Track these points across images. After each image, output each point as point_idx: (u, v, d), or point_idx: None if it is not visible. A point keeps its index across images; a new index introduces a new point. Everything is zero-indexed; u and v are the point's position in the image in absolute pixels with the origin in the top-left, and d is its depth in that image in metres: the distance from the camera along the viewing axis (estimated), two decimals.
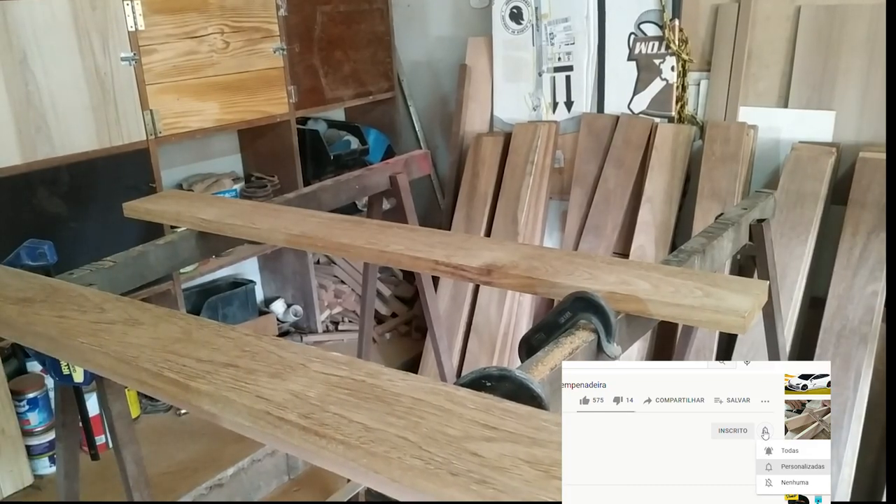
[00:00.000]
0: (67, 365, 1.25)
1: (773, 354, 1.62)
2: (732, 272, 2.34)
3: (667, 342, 2.41)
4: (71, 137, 2.33)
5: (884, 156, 2.25)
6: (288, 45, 2.89)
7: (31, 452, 2.40)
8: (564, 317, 1.06)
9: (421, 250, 1.29)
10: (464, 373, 1.09)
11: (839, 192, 2.35)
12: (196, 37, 2.62)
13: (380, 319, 3.31)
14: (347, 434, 0.73)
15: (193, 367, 0.86)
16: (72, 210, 2.36)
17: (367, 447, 0.70)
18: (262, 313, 3.14)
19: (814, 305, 2.32)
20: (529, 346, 1.07)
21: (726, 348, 2.33)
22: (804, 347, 2.32)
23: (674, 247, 2.51)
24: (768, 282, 1.13)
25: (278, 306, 3.18)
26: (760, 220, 1.54)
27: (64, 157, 2.32)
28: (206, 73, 2.68)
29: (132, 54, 2.43)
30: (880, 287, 2.16)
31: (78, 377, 1.23)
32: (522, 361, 1.01)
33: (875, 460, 2.24)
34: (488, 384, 0.81)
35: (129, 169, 2.50)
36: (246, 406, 0.78)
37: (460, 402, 0.77)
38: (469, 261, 1.24)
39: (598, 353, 1.04)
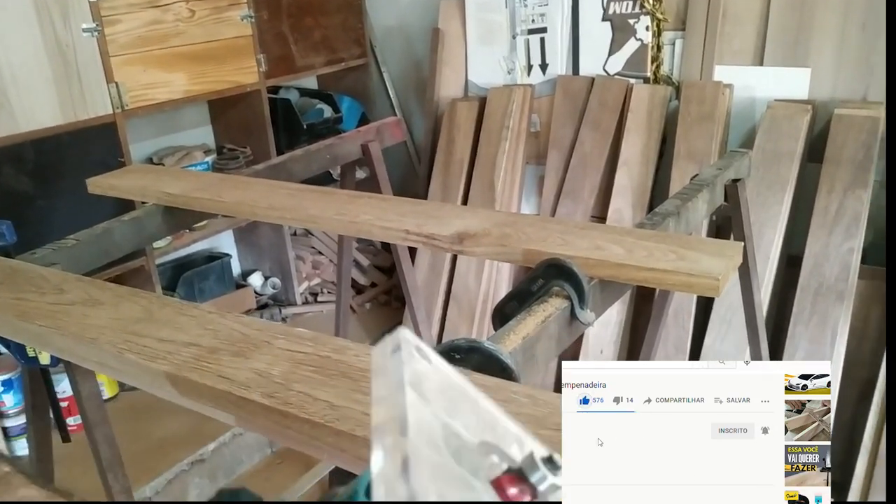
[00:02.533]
0: (33, 348, 1.22)
1: (750, 315, 1.62)
2: (710, 233, 2.34)
3: (645, 305, 2.41)
4: (34, 113, 2.27)
5: (860, 112, 2.24)
6: (256, 13, 2.82)
7: (8, 434, 2.37)
8: (537, 284, 1.05)
9: (391, 220, 1.27)
10: (444, 341, 1.07)
11: (815, 150, 2.34)
12: (160, 5, 2.55)
13: (359, 289, 3.29)
14: (312, 413, 0.71)
15: (154, 347, 0.84)
16: (38, 188, 2.30)
17: (333, 425, 0.69)
18: (239, 287, 3.11)
19: (791, 264, 2.33)
20: (503, 315, 1.06)
21: (704, 310, 2.33)
22: (781, 307, 2.33)
23: (651, 209, 2.50)
24: (743, 243, 1.12)
25: (255, 279, 3.15)
26: (736, 180, 1.52)
27: (28, 133, 2.26)
28: (172, 43, 2.61)
29: (94, 25, 2.36)
30: (856, 244, 2.16)
31: (44, 359, 1.20)
32: (496, 330, 0.99)
33: (851, 416, 2.26)
34: (457, 357, 0.80)
35: (97, 144, 2.44)
36: (208, 387, 0.76)
37: None
38: (440, 229, 1.21)
39: (572, 319, 1.03)
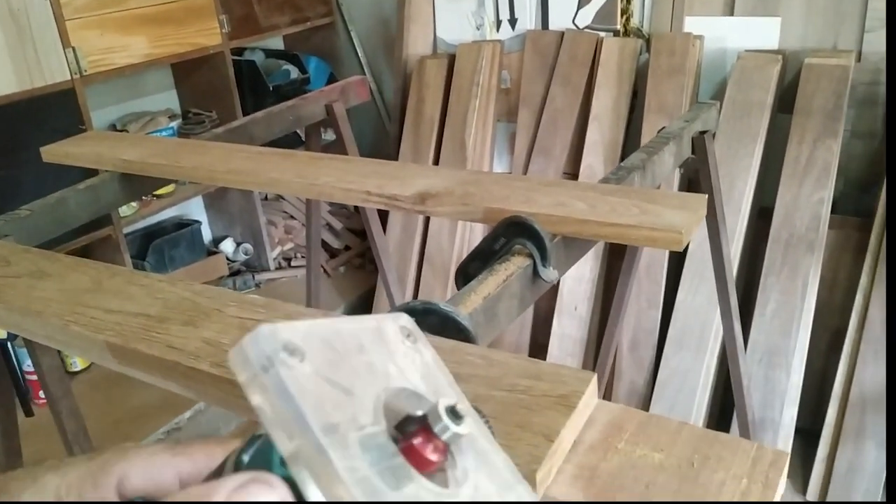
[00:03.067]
0: None
1: (719, 268, 1.62)
2: (681, 187, 2.33)
3: (619, 261, 2.41)
4: None
5: (830, 61, 2.23)
6: None
7: None
8: (499, 243, 1.03)
9: (353, 181, 1.24)
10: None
11: (786, 101, 2.33)
12: None
13: (333, 253, 3.26)
14: None
15: (102, 318, 0.81)
16: None
17: None
18: (210, 254, 3.07)
19: (762, 216, 2.33)
20: (466, 275, 1.04)
21: (678, 264, 2.33)
22: (753, 259, 2.34)
23: None
24: (707, 195, 1.11)
25: (227, 245, 3.11)
26: (703, 132, 1.51)
27: None
28: (130, 6, 2.53)
29: None
30: (826, 194, 2.16)
31: (1, 334, 1.17)
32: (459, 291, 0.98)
33: (822, 366, 2.29)
34: (414, 320, 0.78)
35: (56, 112, 2.37)
36: (156, 357, 0.74)
37: None
38: (402, 190, 1.19)
39: (535, 278, 1.01)
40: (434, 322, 0.78)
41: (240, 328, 0.77)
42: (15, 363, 1.49)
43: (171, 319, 0.80)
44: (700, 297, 2.24)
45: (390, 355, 0.39)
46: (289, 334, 0.34)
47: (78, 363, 2.55)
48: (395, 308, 0.79)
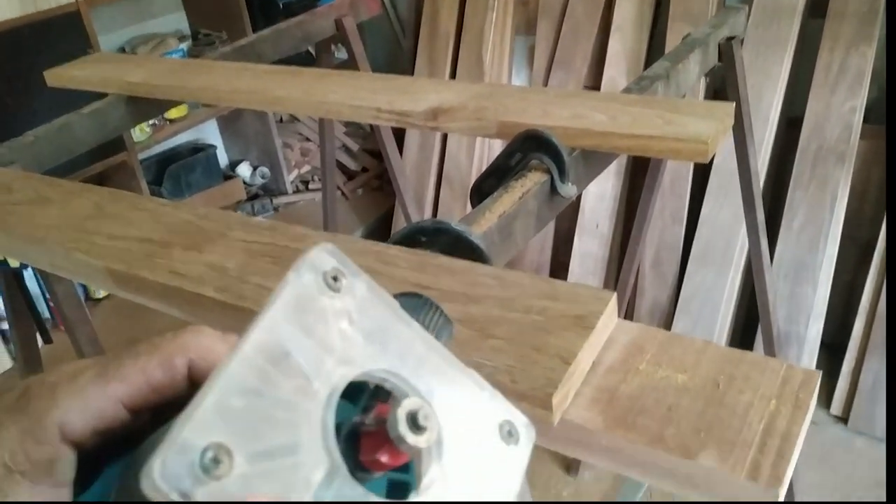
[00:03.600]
0: None
1: (746, 181, 1.56)
2: (707, 97, 2.24)
3: (641, 177, 2.35)
4: None
5: None
6: None
7: (7, 338, 2.38)
8: (514, 158, 0.99)
9: (362, 98, 1.19)
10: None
11: (817, 5, 2.20)
12: None
13: (350, 175, 3.22)
14: None
15: (104, 244, 0.79)
16: (2, 86, 2.20)
17: None
18: (227, 178, 3.04)
19: (791, 126, 2.24)
20: (481, 193, 1.00)
21: (702, 178, 2.27)
22: (780, 171, 2.26)
23: None
24: (734, 104, 1.05)
25: (244, 169, 3.08)
26: (730, 38, 1.43)
27: None
28: None
29: None
30: (859, 103, 2.07)
31: (14, 262, 1.16)
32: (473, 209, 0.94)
33: (850, 279, 2.24)
34: (423, 239, 0.75)
35: (62, 36, 2.31)
36: (159, 284, 0.72)
37: (392, 261, 0.71)
38: (414, 105, 1.14)
39: (552, 194, 0.97)
40: (446, 241, 0.74)
41: (245, 252, 0.74)
42: (40, 287, 1.48)
43: (175, 244, 0.77)
44: (725, 211, 2.18)
45: (320, 337, 0.33)
46: (201, 439, 0.28)
47: (101, 291, 2.57)
48: (407, 227, 0.76)
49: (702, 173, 2.28)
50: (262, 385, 0.30)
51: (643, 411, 0.58)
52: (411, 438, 0.30)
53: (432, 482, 0.34)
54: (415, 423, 0.31)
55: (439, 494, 0.34)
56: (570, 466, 1.98)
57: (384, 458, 0.31)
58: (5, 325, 2.37)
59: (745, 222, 1.63)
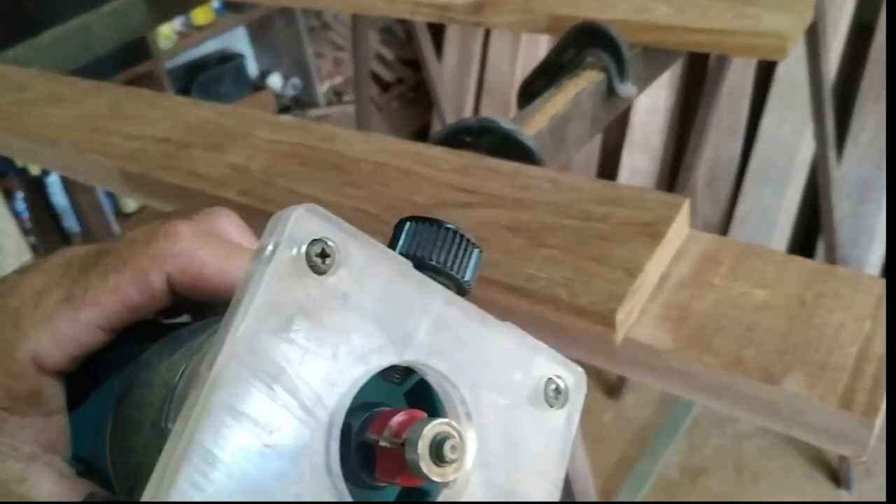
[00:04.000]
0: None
1: (816, 89, 1.44)
2: None
3: (696, 82, 2.21)
4: None
5: None
6: None
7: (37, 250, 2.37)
8: (568, 55, 0.89)
9: None
10: None
11: None
12: None
13: (384, 86, 3.11)
14: None
15: (120, 145, 0.73)
16: None
17: None
18: (257, 89, 2.95)
19: (862, 34, 2.07)
20: (529, 94, 0.91)
21: (763, 88, 2.12)
22: (848, 82, 2.11)
23: None
24: None
25: (274, 80, 2.99)
26: None
27: None
28: None
29: None
30: None
31: (34, 170, 1.11)
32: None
33: None
34: (467, 139, 0.67)
35: None
36: (177, 186, 0.66)
37: (432, 163, 0.63)
38: None
39: (610, 95, 0.88)
40: (492, 142, 0.66)
41: (271, 152, 0.67)
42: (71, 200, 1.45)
43: (195, 144, 0.70)
44: (787, 125, 2.04)
45: (306, 348, 0.25)
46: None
47: (131, 205, 2.53)
48: (449, 126, 0.68)
49: (762, 84, 2.14)
50: (234, 447, 0.23)
51: (718, 331, 0.51)
52: (437, 474, 0.25)
53: (462, 476, 0.28)
54: (440, 457, 0.25)
55: (472, 487, 0.28)
56: (613, 390, 1.93)
57: (403, 482, 0.26)
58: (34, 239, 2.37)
59: (808, 136, 1.52)
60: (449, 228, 0.30)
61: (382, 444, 0.26)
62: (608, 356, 0.53)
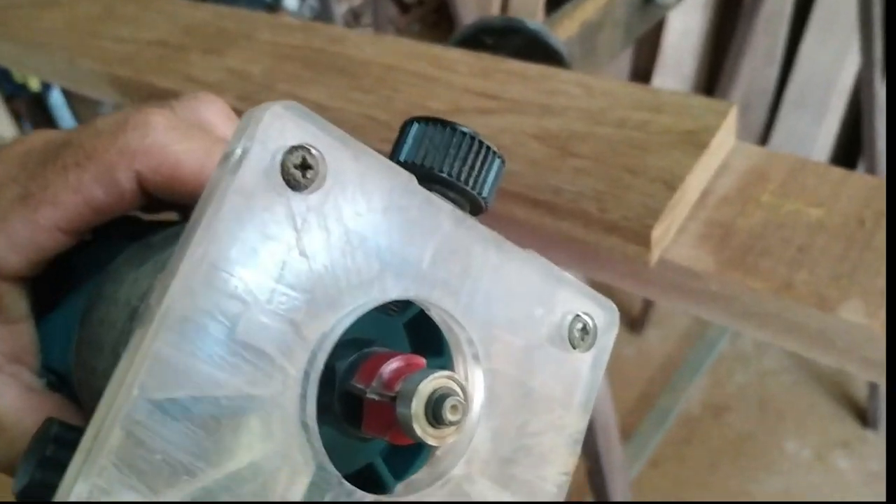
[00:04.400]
0: (21, 73, 1.07)
1: (865, 10, 1.34)
2: None
3: (733, 4, 2.09)
4: None
5: None
6: None
7: None
8: None
9: None
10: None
11: None
12: None
13: (404, 7, 3.00)
14: None
15: (111, 48, 0.67)
16: None
17: None
18: (270, 9, 2.86)
19: None
20: (557, 2, 0.84)
21: (803, 12, 2.01)
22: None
23: None
24: None
25: (290, 0, 2.89)
26: None
27: None
28: None
29: None
30: None
31: (34, 85, 1.06)
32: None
33: None
34: (489, 41, 0.61)
35: None
36: (171, 91, 0.60)
37: (450, 66, 0.57)
38: None
39: (645, 2, 0.81)
40: (517, 44, 0.60)
41: (273, 55, 0.61)
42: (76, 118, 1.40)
43: (192, 47, 0.65)
44: (827, 51, 1.94)
45: (279, 276, 0.21)
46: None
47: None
48: (470, 25, 0.61)
49: (802, 8, 2.02)
50: (189, 390, 0.19)
51: (766, 252, 0.45)
52: (432, 437, 0.21)
53: (466, 430, 0.24)
54: (438, 418, 0.20)
55: (478, 442, 0.24)
56: (635, 324, 1.88)
57: (393, 439, 0.22)
58: None
59: (850, 62, 1.43)
60: (465, 133, 0.25)
61: (370, 396, 0.22)
62: (641, 279, 0.47)
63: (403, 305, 0.26)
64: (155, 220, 0.34)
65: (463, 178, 0.24)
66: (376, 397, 0.22)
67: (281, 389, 0.20)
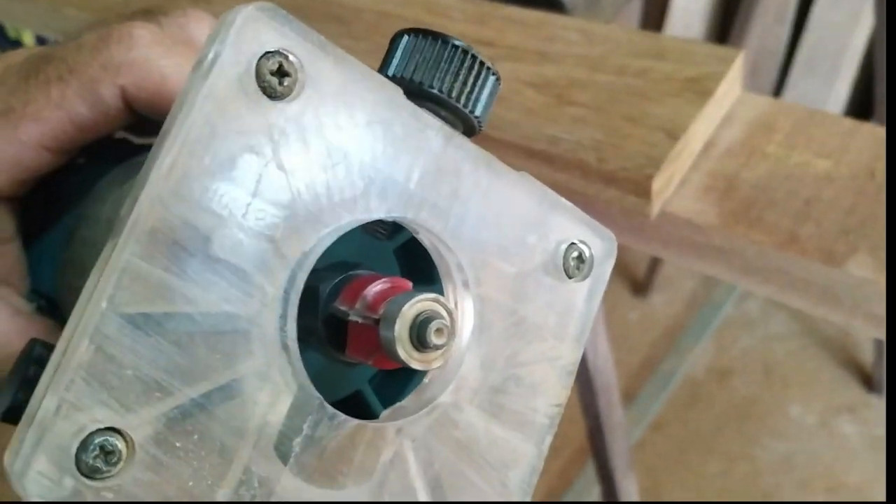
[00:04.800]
0: (15, 28, 1.05)
1: None
2: None
3: None
4: None
5: None
6: None
7: None
8: None
9: None
10: None
11: None
12: None
13: None
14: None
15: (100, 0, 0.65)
16: None
17: None
18: None
19: None
20: None
21: None
22: None
23: None
24: None
25: None
26: None
27: None
28: None
29: None
30: None
31: (28, 40, 1.04)
32: None
33: None
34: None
35: None
36: None
37: (444, 12, 0.55)
38: None
39: None
40: None
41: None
42: None
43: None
44: (840, 11, 1.89)
45: (255, 188, 0.19)
46: (74, 425, 0.17)
47: None
48: None
49: None
50: (160, 306, 0.18)
51: (771, 204, 0.43)
52: (417, 360, 0.20)
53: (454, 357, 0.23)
54: (423, 342, 0.20)
55: (466, 370, 0.23)
56: (640, 287, 1.87)
57: (378, 364, 0.22)
58: None
59: (863, 23, 1.39)
60: (457, 46, 0.23)
61: (353, 318, 0.21)
62: (641, 233, 0.46)
63: (392, 229, 0.25)
64: (146, 143, 0.33)
65: (455, 94, 0.23)
66: (359, 319, 0.21)
67: (259, 309, 0.19)
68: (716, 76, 0.46)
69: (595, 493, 1.23)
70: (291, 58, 0.19)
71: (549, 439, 0.24)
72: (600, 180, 0.43)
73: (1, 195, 0.28)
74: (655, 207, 0.43)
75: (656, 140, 0.43)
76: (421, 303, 0.19)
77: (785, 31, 2.02)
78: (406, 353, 0.19)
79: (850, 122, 0.48)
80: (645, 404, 1.54)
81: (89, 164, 0.31)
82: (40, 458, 0.16)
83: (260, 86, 0.19)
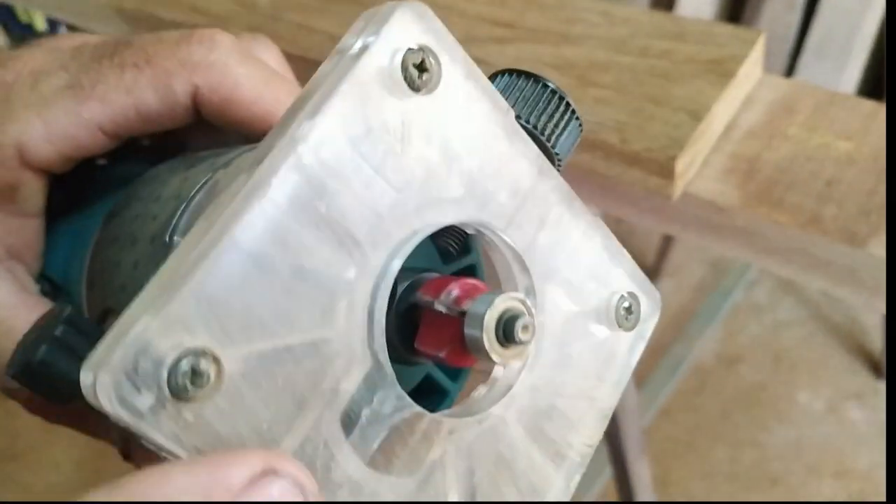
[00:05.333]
0: (26, 12, 1.05)
1: None
2: None
3: None
4: None
5: None
6: None
7: None
8: None
9: None
10: None
11: None
12: None
13: None
14: (307, 47, 0.53)
15: None
16: None
17: None
18: None
19: None
20: None
21: None
22: None
23: None
24: None
25: None
26: None
27: None
28: None
29: None
30: None
31: (39, 24, 1.04)
32: None
33: None
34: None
35: None
36: (177, 22, 0.59)
37: None
38: None
39: None
40: None
41: None
42: None
43: None
44: None
45: (380, 169, 0.21)
46: (170, 338, 0.17)
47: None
48: None
49: None
50: (280, 250, 0.19)
51: (793, 185, 0.44)
52: (498, 354, 0.21)
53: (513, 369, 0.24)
54: (508, 336, 0.20)
55: (519, 388, 0.24)
56: (649, 274, 1.87)
57: (448, 357, 0.22)
58: None
59: (875, 7, 1.38)
60: (549, 87, 0.25)
61: (438, 307, 0.22)
62: (663, 213, 0.46)
63: (460, 250, 0.26)
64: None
65: (546, 132, 0.25)
66: (445, 310, 0.22)
67: (357, 277, 0.20)
68: (737, 58, 0.46)
69: (606, 473, 1.23)
70: (431, 56, 0.21)
71: (577, 478, 0.25)
72: (623, 161, 0.43)
73: (45, 167, 0.28)
74: (678, 188, 0.43)
75: (679, 121, 0.43)
76: (510, 300, 0.21)
77: (796, 17, 2.01)
78: (490, 346, 0.20)
79: (871, 104, 0.48)
80: (653, 391, 1.54)
81: (117, 164, 0.32)
82: (128, 368, 0.16)
83: (403, 75, 0.20)
